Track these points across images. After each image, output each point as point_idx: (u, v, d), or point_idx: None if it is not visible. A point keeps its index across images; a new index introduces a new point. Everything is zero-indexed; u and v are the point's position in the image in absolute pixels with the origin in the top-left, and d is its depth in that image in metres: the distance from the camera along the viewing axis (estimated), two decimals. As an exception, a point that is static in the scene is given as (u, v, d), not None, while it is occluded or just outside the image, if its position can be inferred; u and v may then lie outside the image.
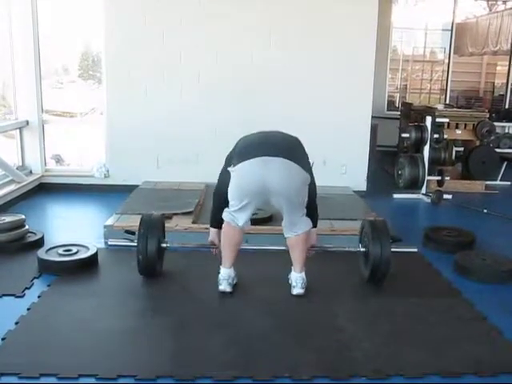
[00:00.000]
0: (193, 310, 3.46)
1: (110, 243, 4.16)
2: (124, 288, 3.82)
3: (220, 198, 3.63)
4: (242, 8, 6.22)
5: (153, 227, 3.81)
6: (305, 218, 3.59)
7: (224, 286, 3.65)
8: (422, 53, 13.35)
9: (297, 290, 3.64)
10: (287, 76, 6.35)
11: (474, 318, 3.45)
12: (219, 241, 3.73)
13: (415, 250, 4.00)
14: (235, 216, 3.52)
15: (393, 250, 3.71)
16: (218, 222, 3.69)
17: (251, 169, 3.41)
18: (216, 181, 3.74)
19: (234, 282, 3.72)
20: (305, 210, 3.58)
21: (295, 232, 3.58)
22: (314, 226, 3.70)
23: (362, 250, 3.91)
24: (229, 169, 3.52)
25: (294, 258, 3.67)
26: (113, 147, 6.47)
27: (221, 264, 3.71)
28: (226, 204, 3.57)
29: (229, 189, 3.53)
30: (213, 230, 3.82)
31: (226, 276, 3.66)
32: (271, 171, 3.38)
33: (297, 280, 3.66)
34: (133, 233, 3.90)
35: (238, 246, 3.66)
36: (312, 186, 3.62)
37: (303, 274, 3.67)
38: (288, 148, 3.53)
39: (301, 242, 3.61)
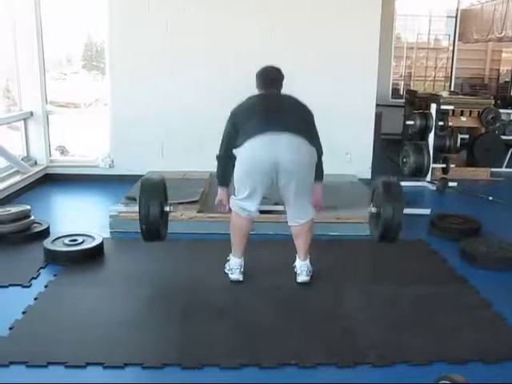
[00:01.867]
0: (199, 298, 3.48)
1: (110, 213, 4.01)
2: (130, 277, 3.84)
3: (226, 153, 3.57)
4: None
5: (154, 191, 3.67)
6: (309, 207, 3.58)
7: (236, 276, 3.67)
8: (426, 40, 13.25)
9: (302, 277, 3.65)
10: (291, 64, 6.29)
11: (480, 304, 3.46)
12: (228, 199, 3.68)
13: (428, 211, 3.87)
14: (244, 204, 3.52)
15: (405, 211, 3.57)
16: (226, 178, 3.67)
17: (258, 147, 3.36)
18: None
19: (243, 269, 3.72)
20: (309, 197, 3.57)
21: (300, 220, 3.58)
22: (321, 178, 3.69)
23: (374, 210, 3.73)
24: (234, 151, 3.48)
25: (299, 245, 3.67)
26: (117, 137, 6.47)
27: (231, 253, 3.73)
28: (232, 157, 3.52)
29: (235, 174, 3.51)
30: (221, 189, 3.76)
31: (237, 265, 3.68)
32: (280, 148, 3.33)
33: (301, 267, 3.66)
34: (134, 198, 3.75)
35: (248, 235, 3.67)
36: (316, 159, 3.56)
37: (308, 261, 3.68)
38: (293, 121, 3.46)
39: (305, 232, 3.62)
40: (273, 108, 3.56)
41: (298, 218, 3.59)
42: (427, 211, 3.84)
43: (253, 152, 3.38)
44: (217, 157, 3.71)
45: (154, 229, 3.60)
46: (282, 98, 3.68)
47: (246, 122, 3.49)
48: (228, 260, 3.76)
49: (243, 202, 3.52)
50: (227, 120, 3.62)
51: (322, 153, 3.64)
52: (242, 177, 3.48)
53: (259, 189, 3.47)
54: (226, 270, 3.75)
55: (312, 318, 3.26)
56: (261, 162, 3.37)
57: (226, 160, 3.59)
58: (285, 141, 3.35)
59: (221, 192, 3.77)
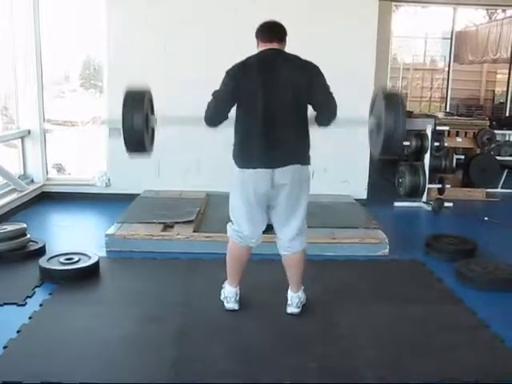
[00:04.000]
0: (194, 318, 3.47)
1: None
2: (125, 296, 3.82)
3: (218, 120, 3.41)
4: (242, 11, 6.23)
5: (138, 99, 3.47)
6: (300, 236, 3.42)
7: (232, 305, 3.55)
8: (422, 61, 13.40)
9: (291, 308, 3.53)
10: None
11: (476, 326, 3.45)
12: None
13: (432, 122, 3.54)
14: (244, 235, 3.39)
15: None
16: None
17: (257, 180, 3.24)
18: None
19: (238, 297, 3.59)
20: (303, 223, 3.42)
21: (290, 248, 3.43)
22: None
23: (373, 122, 3.53)
24: (238, 171, 3.32)
25: (291, 278, 3.55)
26: (114, 156, 6.46)
27: (226, 280, 3.62)
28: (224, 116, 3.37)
29: (231, 200, 3.42)
30: None
31: (232, 294, 3.56)
32: (279, 186, 3.24)
33: (292, 299, 3.54)
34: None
35: (246, 264, 3.54)
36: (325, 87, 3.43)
37: (300, 293, 3.56)
38: (293, 144, 3.29)
39: (297, 262, 3.48)
40: (274, 129, 3.26)
41: (288, 248, 3.44)
42: (431, 121, 3.57)
43: (249, 184, 3.28)
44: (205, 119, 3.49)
45: (137, 137, 3.39)
46: (283, 72, 3.29)
47: (246, 103, 3.28)
48: (223, 287, 3.65)
49: (242, 233, 3.40)
50: (223, 82, 3.34)
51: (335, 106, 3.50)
52: (239, 206, 3.36)
53: (258, 217, 3.37)
54: (221, 298, 3.63)
55: (309, 339, 3.25)
56: (256, 194, 3.28)
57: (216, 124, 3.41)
58: (282, 176, 3.23)
59: None
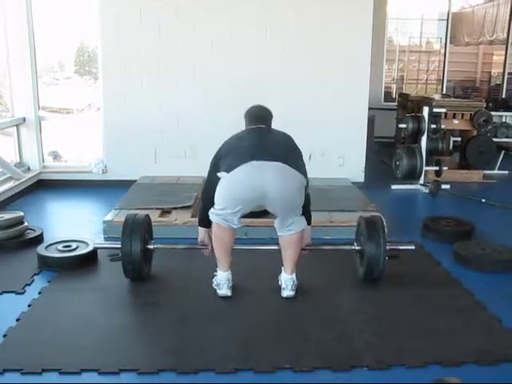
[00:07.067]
0: (192, 305, 3.46)
1: (95, 246, 4.10)
2: (124, 283, 3.81)
3: (209, 200, 3.44)
4: (239, 2, 6.22)
5: (137, 228, 3.66)
6: (299, 217, 3.44)
7: (224, 291, 3.52)
8: (418, 43, 13.32)
9: (287, 292, 3.51)
10: (285, 68, 6.34)
11: (474, 307, 3.46)
12: (210, 239, 3.59)
13: (412, 247, 3.85)
14: (226, 218, 3.35)
15: (390, 247, 3.63)
16: (207, 222, 3.52)
17: (245, 176, 3.25)
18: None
19: (231, 283, 3.57)
20: (301, 210, 3.44)
21: (289, 231, 3.43)
22: (308, 223, 3.56)
23: (358, 248, 3.78)
24: (219, 174, 3.35)
25: (286, 258, 3.53)
26: (110, 142, 6.46)
27: (216, 266, 3.59)
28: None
29: (217, 193, 3.37)
30: (202, 230, 3.66)
31: (224, 280, 3.52)
32: (266, 177, 3.23)
33: (287, 282, 3.52)
34: (119, 259, 3.70)
35: (231, 246, 3.51)
36: (305, 184, 3.46)
37: (294, 275, 3.53)
38: (282, 150, 3.39)
39: (294, 243, 3.47)
40: (261, 137, 3.47)
41: (286, 230, 3.44)
42: (411, 247, 3.82)
43: (235, 182, 3.28)
44: (202, 194, 3.66)
45: (135, 266, 3.65)
46: (270, 131, 3.58)
47: (231, 150, 3.41)
48: (214, 275, 3.60)
49: (223, 214, 3.35)
50: (211, 162, 3.52)
51: (309, 195, 3.55)
52: (224, 200, 3.34)
53: (242, 211, 3.37)
54: (213, 286, 3.59)
55: (307, 322, 3.25)
56: (243, 193, 3.29)
57: (209, 203, 3.45)
58: (273, 169, 3.25)
59: (201, 233, 3.69)
